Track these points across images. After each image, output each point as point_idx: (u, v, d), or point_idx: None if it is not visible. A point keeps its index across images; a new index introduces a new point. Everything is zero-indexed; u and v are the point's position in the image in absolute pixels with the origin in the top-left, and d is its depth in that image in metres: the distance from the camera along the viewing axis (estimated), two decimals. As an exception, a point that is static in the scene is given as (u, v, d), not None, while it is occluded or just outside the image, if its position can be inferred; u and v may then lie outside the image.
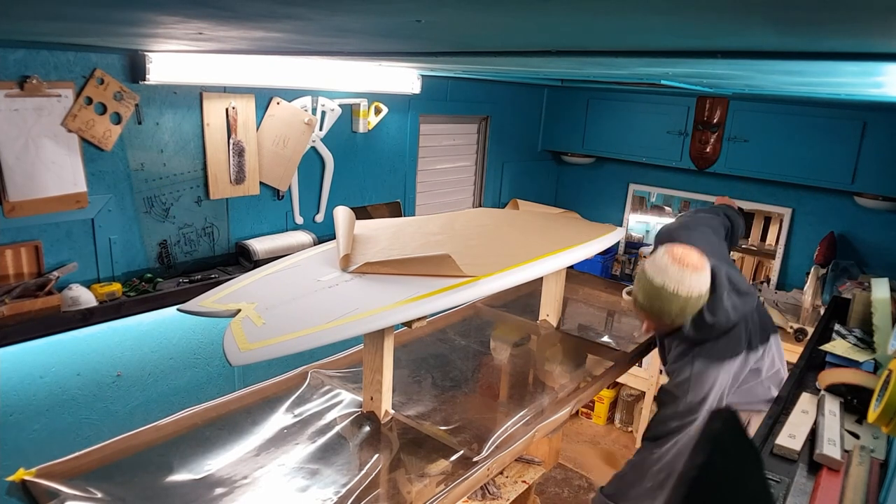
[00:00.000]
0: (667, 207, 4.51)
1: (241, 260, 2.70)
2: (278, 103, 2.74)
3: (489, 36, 1.19)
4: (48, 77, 2.03)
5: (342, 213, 1.93)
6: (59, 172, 2.10)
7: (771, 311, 3.53)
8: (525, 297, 2.64)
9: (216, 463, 1.43)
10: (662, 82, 2.41)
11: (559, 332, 2.31)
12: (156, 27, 1.33)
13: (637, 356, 2.30)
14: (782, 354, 2.18)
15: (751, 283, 4.01)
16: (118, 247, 2.33)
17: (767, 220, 4.05)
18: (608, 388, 3.79)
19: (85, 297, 2.12)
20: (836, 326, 2.18)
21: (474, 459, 1.50)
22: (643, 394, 3.94)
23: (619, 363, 2.12)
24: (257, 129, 2.69)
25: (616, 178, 4.51)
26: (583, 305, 2.76)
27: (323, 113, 2.95)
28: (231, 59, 2.37)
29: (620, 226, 3.45)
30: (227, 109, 2.56)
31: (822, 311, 3.15)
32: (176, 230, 2.51)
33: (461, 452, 1.52)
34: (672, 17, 0.84)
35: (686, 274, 1.79)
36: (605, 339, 2.30)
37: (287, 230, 2.93)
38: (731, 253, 4.16)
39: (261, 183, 2.75)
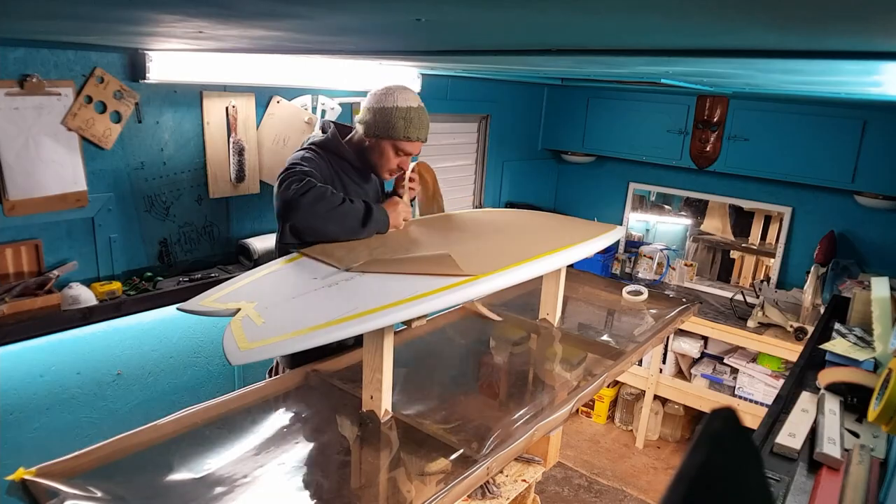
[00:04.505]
0: (667, 206, 4.50)
1: (242, 259, 2.70)
2: (278, 102, 2.74)
3: (489, 34, 1.20)
4: (48, 76, 2.03)
5: None
6: (59, 171, 2.10)
7: (771, 310, 3.53)
8: (525, 296, 2.64)
9: (216, 462, 1.43)
10: (662, 81, 2.41)
11: (559, 330, 2.31)
12: (156, 26, 1.33)
13: (637, 355, 2.30)
14: None
15: (751, 282, 4.02)
16: (118, 245, 2.33)
17: (767, 219, 4.05)
18: (608, 386, 3.79)
19: (85, 295, 2.12)
20: (836, 325, 2.18)
21: (474, 458, 1.49)
22: (643, 392, 3.95)
23: (618, 362, 2.12)
24: (257, 127, 2.69)
25: (616, 177, 4.51)
26: (583, 304, 2.75)
27: (323, 111, 2.95)
28: (231, 57, 2.37)
29: (620, 224, 3.45)
30: (227, 108, 2.55)
31: (822, 310, 3.14)
32: (176, 229, 2.51)
33: (461, 451, 1.52)
34: (672, 16, 0.83)
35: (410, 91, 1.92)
36: (605, 337, 2.30)
37: (287, 229, 2.92)
38: (732, 252, 4.17)
39: (261, 182, 2.75)
